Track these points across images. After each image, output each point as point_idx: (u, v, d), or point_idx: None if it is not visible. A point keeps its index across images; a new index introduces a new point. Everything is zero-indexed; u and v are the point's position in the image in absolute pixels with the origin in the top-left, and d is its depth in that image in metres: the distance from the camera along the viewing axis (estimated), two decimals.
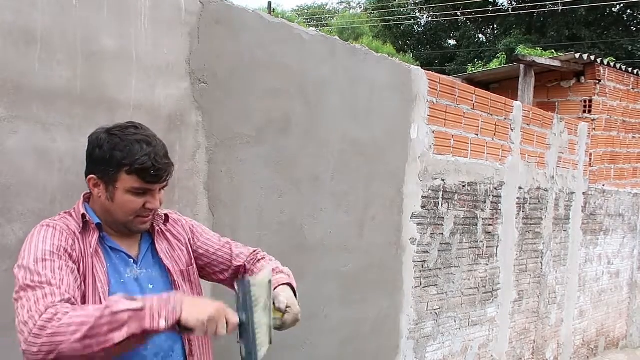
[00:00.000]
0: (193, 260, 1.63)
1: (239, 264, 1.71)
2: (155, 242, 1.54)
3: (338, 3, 34.58)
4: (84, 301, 1.34)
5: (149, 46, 1.96)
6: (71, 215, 1.44)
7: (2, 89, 1.63)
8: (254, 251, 1.76)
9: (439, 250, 3.50)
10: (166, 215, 1.60)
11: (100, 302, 1.33)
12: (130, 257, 1.48)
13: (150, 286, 1.48)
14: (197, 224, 1.71)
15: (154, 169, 1.38)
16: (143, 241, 1.54)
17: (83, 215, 1.42)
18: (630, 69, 5.99)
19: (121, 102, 1.90)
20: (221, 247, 1.70)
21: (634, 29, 19.58)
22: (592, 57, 5.44)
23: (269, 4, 21.96)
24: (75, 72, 1.78)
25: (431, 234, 3.43)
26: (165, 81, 2.03)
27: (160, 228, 1.58)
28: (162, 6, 2.00)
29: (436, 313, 3.53)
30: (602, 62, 5.57)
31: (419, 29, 25.06)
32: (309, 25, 26.98)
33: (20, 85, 1.67)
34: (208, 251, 1.67)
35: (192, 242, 1.65)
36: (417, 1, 23.58)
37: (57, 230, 1.36)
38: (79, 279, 1.34)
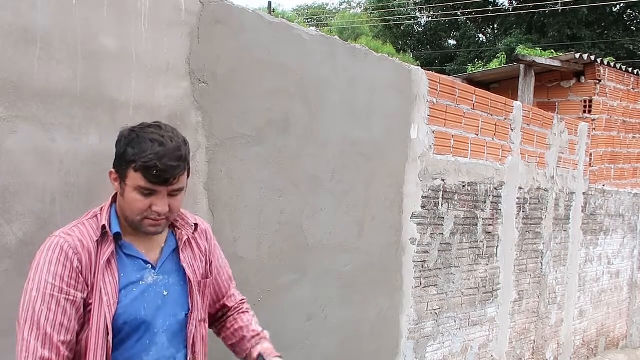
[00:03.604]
0: (209, 274, 1.64)
1: (228, 303, 1.75)
2: (181, 250, 1.55)
3: (338, 3, 34.59)
4: (89, 315, 1.40)
5: (149, 46, 1.96)
6: (97, 218, 1.47)
7: (2, 89, 1.63)
8: (242, 300, 1.81)
9: (439, 250, 3.50)
10: (196, 225, 1.61)
11: (105, 316, 1.38)
12: (148, 262, 1.49)
13: (165, 293, 1.49)
14: (217, 245, 1.73)
15: (156, 169, 1.35)
16: (167, 245, 1.54)
17: (103, 227, 1.43)
18: (630, 69, 5.99)
19: (121, 102, 1.90)
20: (226, 280, 1.74)
21: (634, 28, 19.57)
22: (592, 57, 5.44)
23: (269, 4, 21.96)
24: (75, 72, 1.78)
25: (431, 234, 3.43)
26: (165, 81, 2.03)
27: (189, 237, 1.58)
28: (162, 6, 2.00)
29: (436, 313, 3.53)
30: (602, 62, 5.57)
31: (419, 29, 25.06)
32: (309, 25, 26.98)
33: (20, 85, 1.66)
34: (216, 277, 1.69)
35: (209, 258, 1.65)
36: (417, 1, 23.57)
37: (64, 252, 1.38)
38: (80, 308, 1.39)
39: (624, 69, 5.87)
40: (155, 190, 1.39)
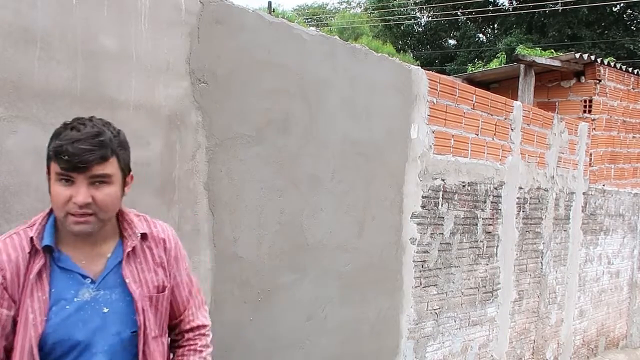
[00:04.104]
0: (167, 287, 1.46)
1: (183, 326, 1.54)
2: (124, 263, 1.38)
3: (338, 3, 34.59)
4: (15, 333, 1.30)
5: (149, 46, 1.96)
6: (32, 227, 1.35)
7: (2, 89, 1.63)
8: (201, 330, 1.57)
9: (439, 250, 3.50)
10: (144, 235, 1.43)
11: (31, 336, 1.27)
12: (86, 277, 1.34)
13: (105, 310, 1.35)
14: (183, 257, 1.54)
15: (67, 154, 1.24)
16: (113, 257, 1.39)
17: (31, 239, 1.31)
18: (630, 69, 5.99)
19: (121, 102, 1.90)
20: (185, 296, 1.53)
21: (634, 28, 19.57)
22: (592, 57, 5.44)
23: (269, 3, 21.95)
24: (75, 72, 1.78)
25: (431, 233, 3.43)
26: (165, 81, 2.03)
27: (136, 247, 1.41)
28: (162, 6, 2.00)
29: (436, 313, 3.53)
30: (602, 62, 5.57)
31: (419, 29, 25.04)
32: (309, 25, 26.98)
33: (20, 85, 1.67)
34: (173, 292, 1.50)
35: (168, 270, 1.48)
36: (417, 1, 23.57)
37: None
38: (7, 325, 1.29)
39: (624, 69, 5.87)
40: (71, 178, 1.27)
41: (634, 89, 6.04)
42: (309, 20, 30.18)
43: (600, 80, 5.54)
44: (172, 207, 2.09)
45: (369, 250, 2.99)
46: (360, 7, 32.46)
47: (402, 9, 24.09)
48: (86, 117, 1.34)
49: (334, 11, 33.22)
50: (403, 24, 24.25)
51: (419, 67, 3.31)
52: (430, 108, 3.34)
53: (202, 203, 2.19)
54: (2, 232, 1.64)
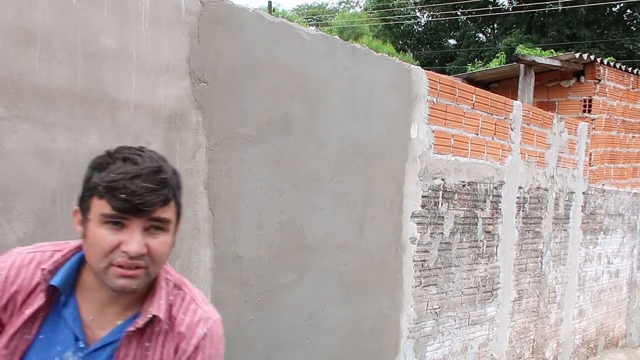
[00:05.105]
0: None
1: None
2: (120, 344, 1.07)
3: (338, 3, 34.59)
4: None
5: (149, 46, 1.96)
6: (56, 253, 1.11)
7: (2, 89, 1.63)
8: None
9: (438, 250, 3.50)
10: (154, 318, 1.08)
11: None
12: (79, 339, 1.07)
13: None
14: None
15: (125, 191, 0.98)
16: (120, 325, 1.09)
17: (42, 270, 1.08)
18: (630, 69, 6.00)
19: (121, 101, 1.90)
20: None
21: (634, 28, 19.57)
22: (592, 57, 5.45)
23: (269, 3, 21.95)
24: (75, 72, 1.78)
25: (431, 233, 3.43)
26: (166, 81, 2.03)
27: (142, 328, 1.08)
28: (162, 6, 2.00)
29: (436, 312, 3.53)
30: (602, 62, 5.57)
31: (419, 29, 25.06)
32: (309, 24, 26.98)
33: (20, 85, 1.67)
34: None
35: None
36: (417, 1, 23.57)
37: None
38: None
39: (623, 69, 5.88)
40: (124, 221, 1.01)
41: (633, 88, 6.04)
42: (309, 20, 30.18)
43: (599, 80, 5.55)
44: None
45: (369, 249, 2.99)
46: (360, 7, 32.46)
47: (402, 9, 24.09)
48: (133, 146, 1.10)
49: (333, 11, 33.22)
50: (403, 23, 24.26)
51: (419, 67, 3.31)
52: (430, 108, 3.34)
53: (202, 203, 2.19)
54: (3, 232, 1.65)
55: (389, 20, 24.54)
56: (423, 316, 3.42)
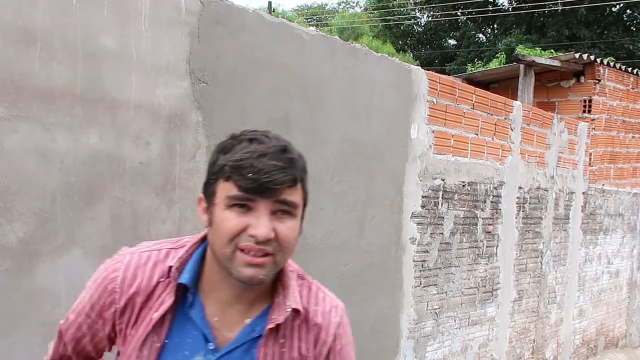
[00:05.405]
0: None
1: None
2: (262, 343, 1.01)
3: (338, 3, 34.61)
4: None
5: (149, 46, 1.96)
6: (177, 250, 1.05)
7: (2, 89, 1.64)
8: None
9: (438, 250, 3.50)
10: (296, 311, 1.02)
11: None
12: (209, 340, 1.00)
13: None
14: (339, 353, 1.09)
15: (252, 170, 0.92)
16: (251, 326, 1.02)
17: (169, 268, 1.01)
18: (630, 69, 6.00)
19: (121, 101, 1.90)
20: None
21: (634, 28, 19.58)
22: (592, 57, 5.45)
23: (269, 3, 21.95)
24: (76, 72, 1.78)
25: (431, 233, 3.43)
26: (166, 81, 2.03)
27: (279, 324, 1.01)
28: (162, 6, 2.00)
29: (436, 312, 3.53)
30: (601, 62, 5.58)
31: (419, 29, 25.06)
32: (309, 25, 26.98)
33: (20, 85, 1.67)
34: None
35: None
36: (417, 1, 23.58)
37: (107, 282, 1.02)
38: (90, 338, 1.06)
39: (623, 69, 5.88)
40: (249, 204, 0.94)
41: (633, 88, 6.04)
42: (309, 20, 30.19)
43: (599, 80, 5.55)
44: (172, 207, 2.09)
45: (369, 249, 2.99)
46: (360, 7, 32.48)
47: (402, 9, 24.10)
48: (257, 130, 1.03)
49: (333, 11, 33.24)
50: (403, 24, 24.26)
51: (419, 67, 3.31)
52: (430, 108, 3.34)
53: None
54: (3, 232, 1.65)
55: (389, 20, 24.55)
56: (423, 316, 3.42)
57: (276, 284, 1.04)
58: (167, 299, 0.99)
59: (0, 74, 1.63)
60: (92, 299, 1.03)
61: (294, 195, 0.97)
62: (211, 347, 1.00)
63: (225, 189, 0.95)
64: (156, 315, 0.99)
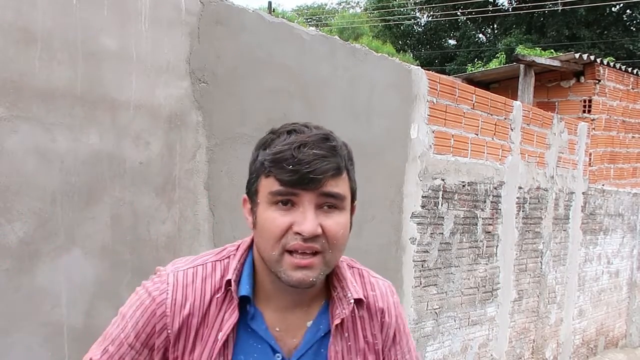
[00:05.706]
0: None
1: None
2: (331, 341, 0.97)
3: (338, 3, 34.61)
4: None
5: (149, 46, 1.96)
6: (227, 261, 0.99)
7: (2, 89, 1.64)
8: None
9: (438, 250, 3.51)
10: (359, 301, 0.99)
11: None
12: (277, 351, 0.95)
13: None
14: (404, 332, 1.09)
15: (292, 161, 0.87)
16: (314, 325, 0.98)
17: (228, 283, 0.95)
18: (630, 69, 6.00)
19: (121, 101, 1.90)
20: None
21: (634, 28, 19.59)
22: (592, 57, 5.45)
23: (269, 3, 21.96)
24: (76, 72, 1.78)
25: (431, 233, 3.43)
26: (166, 81, 2.03)
27: (345, 318, 0.98)
28: (162, 6, 2.00)
29: (436, 312, 3.53)
30: (601, 62, 5.58)
31: (419, 29, 25.06)
32: (309, 25, 26.99)
33: (21, 85, 1.67)
34: None
35: (384, 352, 1.06)
36: (417, 1, 23.59)
37: (155, 306, 0.94)
38: None
39: (623, 69, 5.88)
40: (292, 199, 0.89)
41: (633, 89, 6.04)
42: (309, 20, 30.20)
43: (599, 80, 5.55)
44: (172, 207, 2.09)
45: (369, 250, 2.99)
46: (360, 7, 32.49)
47: (402, 9, 24.10)
48: (298, 122, 0.98)
49: (333, 11, 33.24)
50: (403, 24, 24.26)
51: (419, 67, 3.31)
52: (430, 108, 3.34)
53: (203, 203, 2.19)
54: (3, 232, 1.65)
55: (388, 20, 24.55)
56: (423, 316, 3.42)
57: (330, 277, 1.00)
58: (229, 316, 0.93)
59: (0, 74, 1.63)
60: (136, 327, 0.93)
61: (339, 186, 0.91)
62: (279, 358, 0.95)
63: (267, 186, 0.90)
64: (220, 336, 0.92)
